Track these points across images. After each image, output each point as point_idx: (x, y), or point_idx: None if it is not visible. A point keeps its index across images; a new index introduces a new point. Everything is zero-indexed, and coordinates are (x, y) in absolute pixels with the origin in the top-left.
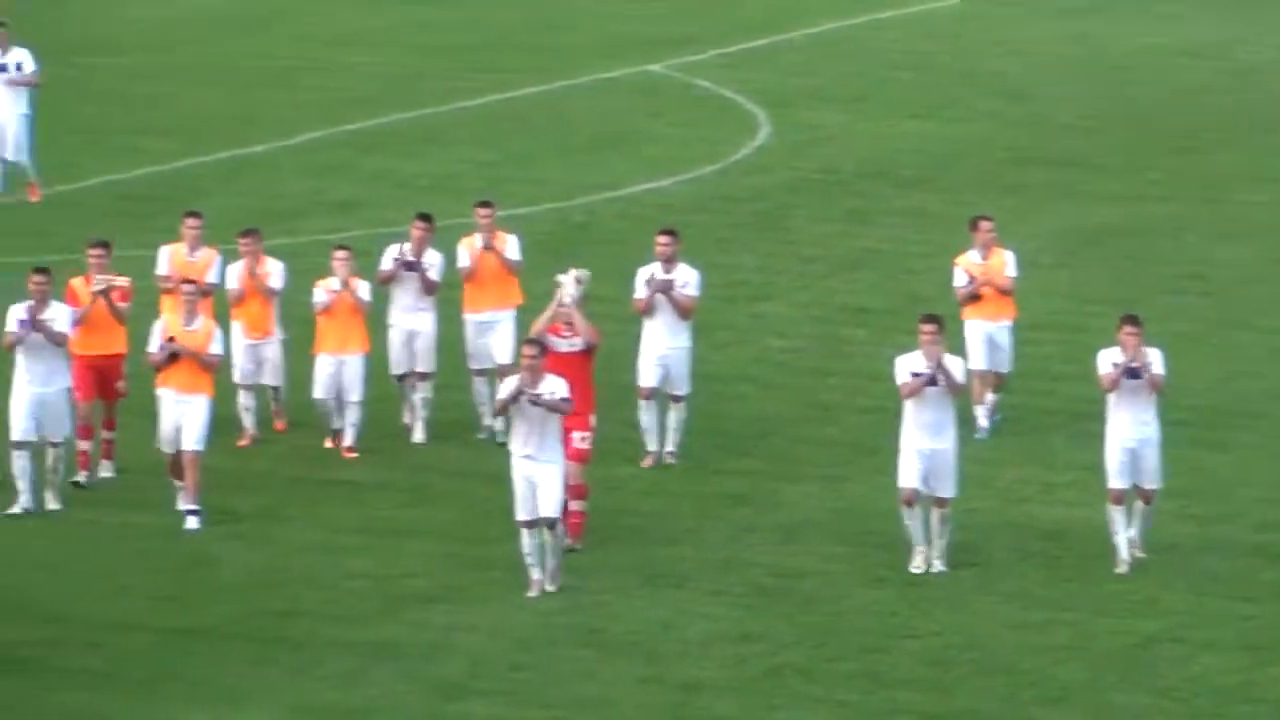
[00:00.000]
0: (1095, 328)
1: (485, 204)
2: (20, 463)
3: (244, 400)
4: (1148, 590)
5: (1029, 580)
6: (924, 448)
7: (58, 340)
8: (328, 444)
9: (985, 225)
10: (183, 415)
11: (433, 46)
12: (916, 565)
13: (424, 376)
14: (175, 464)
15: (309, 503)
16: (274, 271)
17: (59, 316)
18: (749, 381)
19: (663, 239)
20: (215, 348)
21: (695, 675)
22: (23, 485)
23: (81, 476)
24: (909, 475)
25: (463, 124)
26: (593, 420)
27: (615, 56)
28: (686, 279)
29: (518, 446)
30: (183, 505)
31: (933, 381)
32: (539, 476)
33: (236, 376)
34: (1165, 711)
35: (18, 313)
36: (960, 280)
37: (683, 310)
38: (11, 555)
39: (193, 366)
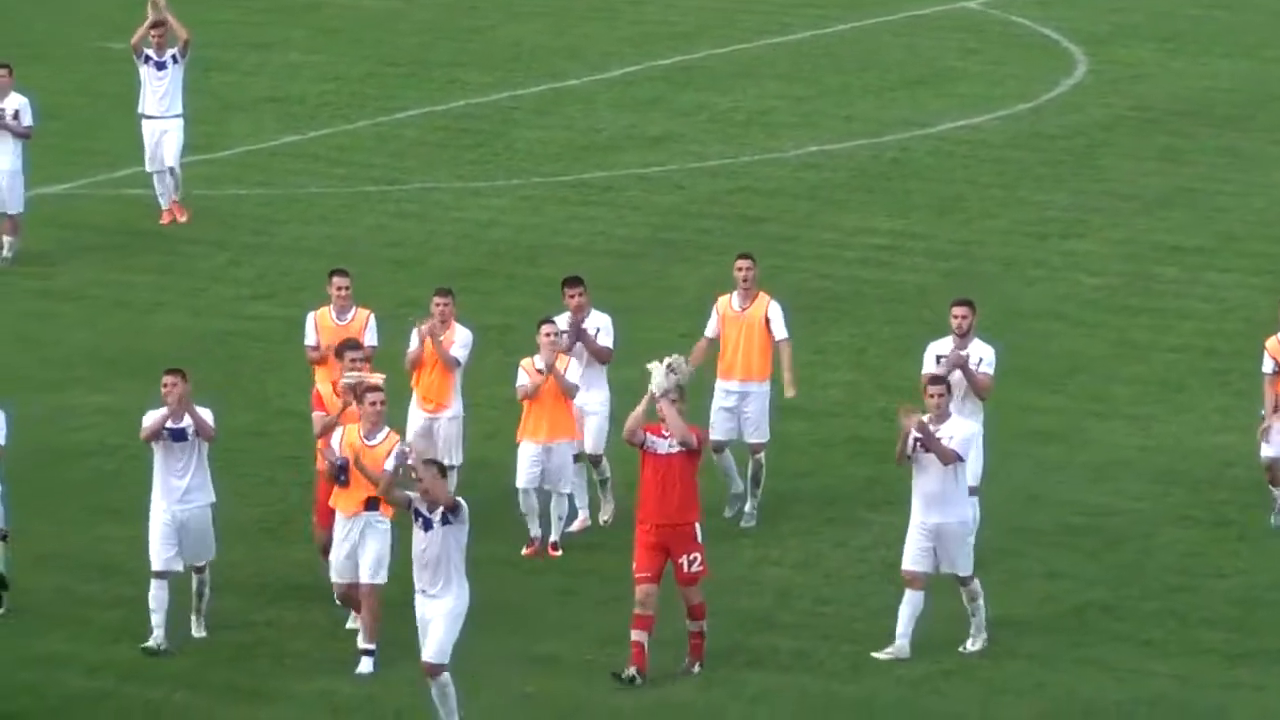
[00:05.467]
0: None
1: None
2: (158, 594)
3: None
4: None
5: None
6: (927, 522)
7: (207, 436)
8: (525, 551)
9: None
10: (357, 542)
11: None
12: (888, 652)
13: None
14: (347, 596)
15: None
16: (460, 340)
17: (207, 417)
18: (1060, 318)
19: (959, 310)
20: (390, 463)
21: (1000, 611)
22: (157, 619)
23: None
24: (909, 554)
25: (777, 59)
26: (699, 533)
27: None
28: (981, 354)
29: (415, 577)
30: (360, 644)
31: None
32: (431, 615)
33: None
34: None
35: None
36: (1268, 367)
37: (980, 390)
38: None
39: (368, 487)
